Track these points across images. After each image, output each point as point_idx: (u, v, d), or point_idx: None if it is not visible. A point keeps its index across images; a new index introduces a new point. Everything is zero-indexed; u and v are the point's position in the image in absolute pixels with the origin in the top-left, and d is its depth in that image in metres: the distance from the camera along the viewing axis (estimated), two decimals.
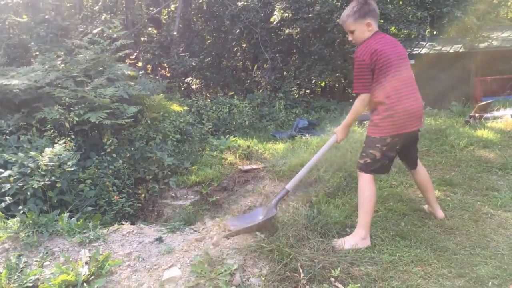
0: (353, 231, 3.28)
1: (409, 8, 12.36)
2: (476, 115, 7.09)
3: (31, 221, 3.39)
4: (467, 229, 3.39)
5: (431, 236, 3.28)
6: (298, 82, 14.36)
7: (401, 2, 13.09)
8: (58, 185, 4.33)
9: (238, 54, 15.33)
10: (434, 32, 16.28)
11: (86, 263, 2.86)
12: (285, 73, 14.60)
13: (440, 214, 3.62)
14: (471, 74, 14.49)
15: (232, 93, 14.34)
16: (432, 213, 3.66)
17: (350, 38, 3.34)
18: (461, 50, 14.50)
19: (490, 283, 2.65)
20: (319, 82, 15.26)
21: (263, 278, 2.74)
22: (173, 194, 5.32)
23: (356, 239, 3.14)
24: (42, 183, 4.18)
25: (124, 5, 15.86)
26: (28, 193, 4.14)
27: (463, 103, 10.08)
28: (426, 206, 3.77)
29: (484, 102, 8.33)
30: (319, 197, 4.37)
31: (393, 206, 3.88)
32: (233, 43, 14.88)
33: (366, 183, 3.24)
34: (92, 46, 6.66)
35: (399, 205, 3.90)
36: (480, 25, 13.56)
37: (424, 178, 3.57)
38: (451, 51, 14.87)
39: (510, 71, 13.22)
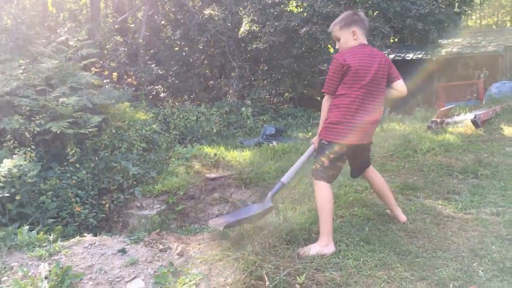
0: (317, 236, 3.30)
1: (376, 24, 12.60)
2: (438, 120, 7.27)
3: None
4: (429, 233, 3.46)
5: (395, 240, 3.33)
6: (266, 89, 14.45)
7: (370, 13, 13.34)
8: (17, 197, 4.20)
9: (206, 62, 15.29)
10: (396, 40, 16.66)
11: (46, 278, 2.77)
12: (253, 81, 14.65)
13: (403, 218, 3.68)
14: (434, 80, 14.90)
15: (200, 102, 14.28)
16: (394, 217, 3.72)
17: (337, 46, 3.40)
18: (423, 57, 14.89)
19: (451, 285, 2.70)
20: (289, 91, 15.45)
21: (228, 287, 2.72)
22: (139, 204, 5.24)
23: (320, 246, 3.15)
24: (1, 195, 4.04)
25: (89, 14, 15.63)
26: None
27: (426, 109, 10.33)
28: (389, 211, 3.83)
29: (446, 108, 8.57)
30: (285, 204, 4.38)
31: (358, 211, 3.92)
32: (201, 52, 14.84)
33: (320, 191, 3.24)
34: (55, 55, 6.52)
35: (363, 210, 3.94)
36: (440, 35, 13.98)
37: (380, 185, 3.63)
38: (414, 57, 15.26)
39: (470, 77, 13.65)
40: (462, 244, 3.25)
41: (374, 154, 5.77)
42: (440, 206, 4.01)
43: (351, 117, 3.16)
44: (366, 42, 3.33)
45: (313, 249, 3.12)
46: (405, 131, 6.97)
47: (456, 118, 7.49)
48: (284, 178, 3.51)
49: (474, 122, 6.83)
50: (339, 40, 3.34)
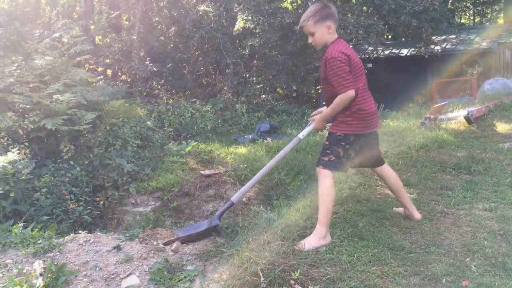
0: (312, 232, 3.32)
1: (371, 21, 12.62)
2: (431, 116, 7.30)
3: None
4: (422, 228, 3.49)
5: (388, 235, 3.36)
6: (260, 86, 14.45)
7: (364, 10, 13.33)
8: (11, 194, 4.19)
9: (200, 59, 15.25)
10: (389, 36, 16.69)
11: (41, 274, 2.77)
12: (248, 78, 14.64)
13: (418, 215, 3.64)
14: (427, 76, 14.95)
15: (194, 99, 14.27)
16: (409, 215, 3.66)
17: (310, 41, 3.37)
18: (417, 54, 14.94)
19: (444, 280, 2.73)
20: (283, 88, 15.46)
21: (223, 283, 2.73)
22: (133, 201, 5.23)
23: (317, 237, 3.18)
24: None
25: (83, 10, 15.55)
26: None
27: (420, 105, 10.36)
28: (401, 209, 3.78)
29: (439, 104, 8.60)
30: (280, 200, 4.40)
31: (352, 207, 3.95)
32: (195, 48, 14.81)
33: (328, 181, 3.27)
34: (49, 52, 6.49)
35: (357, 206, 3.97)
36: (434, 32, 14.03)
37: (394, 180, 3.62)
38: (408, 54, 15.30)
39: (464, 74, 13.70)
40: (455, 239, 3.28)
41: None
42: (434, 202, 4.04)
43: (363, 107, 3.26)
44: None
45: (308, 243, 3.15)
46: (399, 128, 7.00)
47: (450, 115, 7.52)
48: (234, 198, 3.58)
49: (467, 118, 6.86)
50: (312, 34, 3.30)
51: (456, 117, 7.23)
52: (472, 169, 4.81)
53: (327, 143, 3.35)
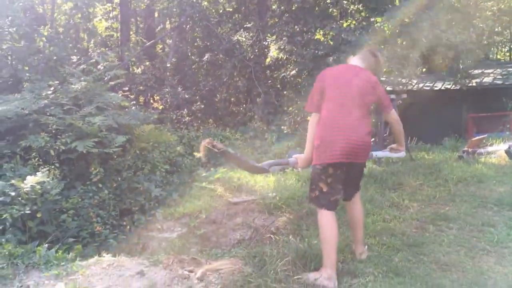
0: (344, 266, 3.15)
1: (405, 52, 12.51)
2: (470, 150, 7.03)
3: (7, 252, 3.23)
4: (464, 266, 3.26)
5: (426, 272, 3.14)
6: (291, 116, 14.37)
7: (399, 42, 13.23)
8: (38, 215, 4.18)
9: (232, 87, 15.37)
10: (424, 69, 16.41)
11: None
12: (279, 108, 14.61)
13: (363, 255, 3.43)
14: (463, 110, 14.60)
15: (224, 127, 14.30)
16: (355, 250, 3.48)
17: None
18: (452, 87, 14.66)
19: None
20: None
21: None
22: (160, 226, 5.13)
23: (323, 278, 2.95)
24: (22, 212, 4.01)
25: (119, 39, 16.01)
26: (7, 223, 3.97)
27: (456, 139, 10.06)
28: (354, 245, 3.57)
29: (477, 137, 8.31)
30: (310, 231, 4.24)
31: (387, 241, 3.75)
32: (227, 77, 14.95)
33: (326, 221, 3.07)
34: (84, 76, 6.63)
35: (392, 240, 3.76)
36: (470, 65, 13.77)
37: (358, 216, 3.43)
38: (442, 88, 15.03)
39: (502, 108, 13.30)
40: (500, 279, 3.04)
41: (403, 182, 5.58)
42: (475, 239, 3.80)
43: (331, 136, 3.04)
44: (357, 64, 3.32)
45: (313, 277, 2.97)
46: (435, 160, 6.76)
47: (489, 149, 7.24)
48: (291, 161, 3.42)
49: (508, 152, 6.58)
50: None
51: (496, 151, 6.95)
52: None
53: (311, 176, 3.21)
